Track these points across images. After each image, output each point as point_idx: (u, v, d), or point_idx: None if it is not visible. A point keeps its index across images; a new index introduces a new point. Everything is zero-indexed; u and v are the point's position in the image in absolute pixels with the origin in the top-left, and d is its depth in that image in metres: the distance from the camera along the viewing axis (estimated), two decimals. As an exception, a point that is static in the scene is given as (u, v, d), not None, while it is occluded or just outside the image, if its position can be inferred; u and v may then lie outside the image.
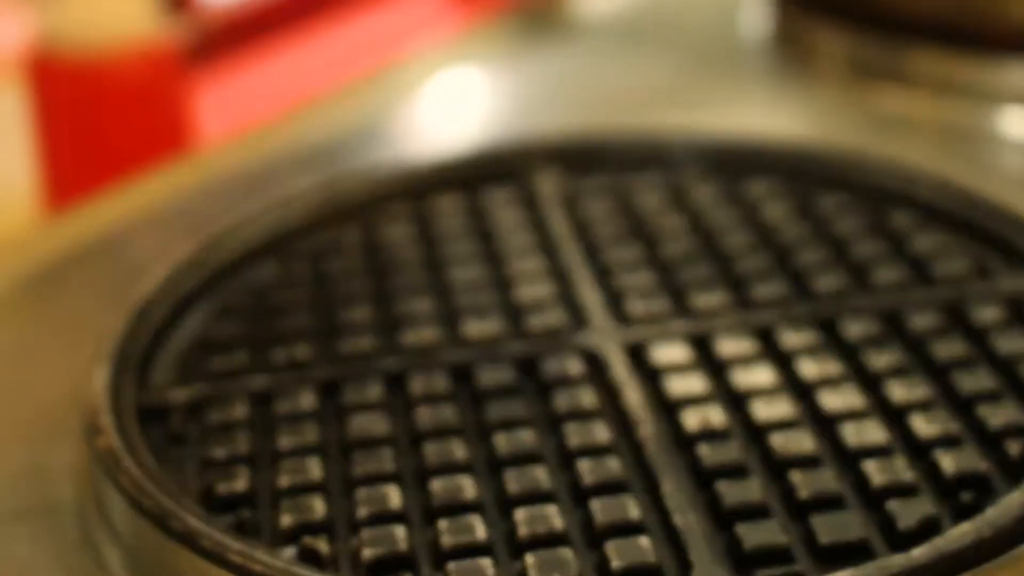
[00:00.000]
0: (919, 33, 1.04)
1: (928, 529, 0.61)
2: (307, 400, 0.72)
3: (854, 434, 0.67)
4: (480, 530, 0.63)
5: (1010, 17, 1.02)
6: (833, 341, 0.74)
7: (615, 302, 0.79)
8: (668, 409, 0.70)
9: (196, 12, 1.30)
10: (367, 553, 0.62)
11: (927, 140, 1.02)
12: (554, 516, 0.63)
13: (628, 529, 0.62)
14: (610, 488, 0.65)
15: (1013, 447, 0.65)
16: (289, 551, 0.63)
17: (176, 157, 1.15)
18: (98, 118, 1.22)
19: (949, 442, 0.66)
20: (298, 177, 1.00)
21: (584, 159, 0.93)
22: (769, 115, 1.10)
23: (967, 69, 1.03)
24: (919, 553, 0.58)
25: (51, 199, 1.26)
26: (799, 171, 0.89)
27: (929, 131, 1.03)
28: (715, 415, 0.69)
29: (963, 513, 0.62)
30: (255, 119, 1.13)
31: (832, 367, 0.72)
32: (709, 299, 0.78)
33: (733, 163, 0.91)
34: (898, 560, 0.58)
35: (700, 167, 0.92)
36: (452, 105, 1.15)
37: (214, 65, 1.85)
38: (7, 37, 1.37)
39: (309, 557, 0.62)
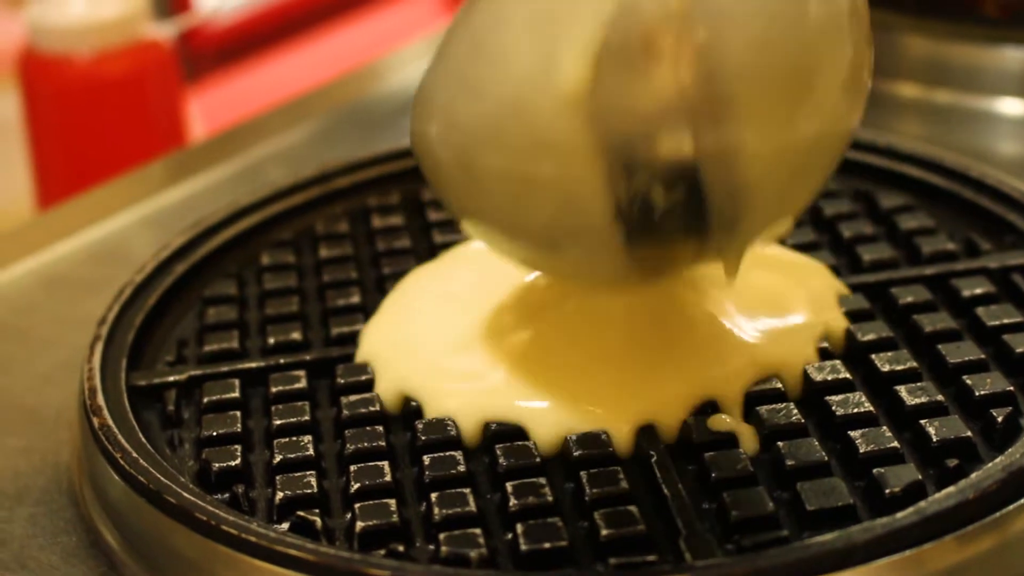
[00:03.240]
0: (905, 7, 1.05)
1: (914, 495, 0.61)
2: (298, 381, 0.73)
3: (841, 405, 0.67)
4: (471, 502, 0.63)
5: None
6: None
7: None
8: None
9: (192, 16, 1.31)
10: (360, 525, 0.62)
11: (915, 123, 1.03)
12: (544, 487, 0.64)
13: (617, 499, 0.63)
14: (600, 461, 0.65)
15: (998, 415, 0.66)
16: (284, 525, 0.63)
17: (168, 154, 1.16)
18: (90, 116, 1.23)
19: (935, 411, 0.67)
20: (288, 168, 1.01)
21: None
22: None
23: (954, 53, 1.03)
24: (903, 516, 0.59)
25: (44, 196, 1.27)
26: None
27: (917, 114, 1.04)
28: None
29: (948, 479, 0.62)
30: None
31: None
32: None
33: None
34: (882, 523, 0.59)
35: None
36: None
37: (210, 72, 1.85)
38: (5, 38, 1.37)
39: (303, 530, 0.63)
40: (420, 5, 2.15)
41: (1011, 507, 0.60)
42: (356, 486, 0.65)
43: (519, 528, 0.61)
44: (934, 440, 0.64)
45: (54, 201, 1.21)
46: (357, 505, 0.63)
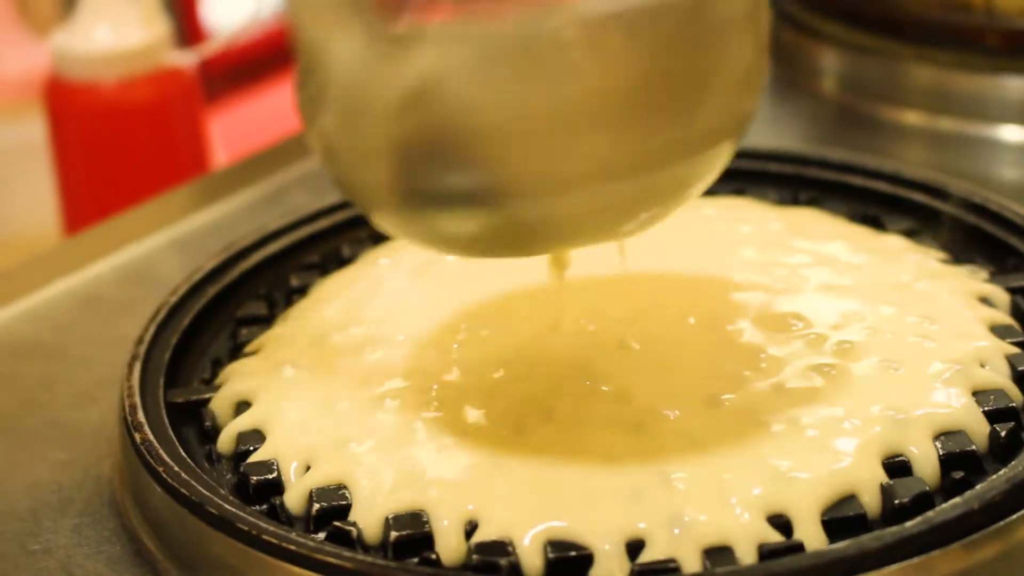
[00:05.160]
0: (910, 39, 1.09)
1: (922, 505, 0.65)
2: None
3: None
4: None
5: (995, 20, 1.07)
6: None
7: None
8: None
9: (211, 44, 1.34)
10: (395, 535, 0.65)
11: (920, 150, 1.06)
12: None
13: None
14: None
15: (1002, 430, 0.69)
16: (320, 535, 0.66)
17: (192, 179, 1.19)
18: (115, 142, 1.26)
19: (943, 426, 0.70)
20: (311, 194, 1.04)
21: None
22: (767, 132, 1.14)
23: (959, 82, 1.07)
24: (912, 525, 0.62)
25: (70, 220, 1.30)
26: (796, 180, 0.93)
27: (921, 141, 1.07)
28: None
29: (955, 490, 0.66)
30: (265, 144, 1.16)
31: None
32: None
33: (732, 174, 0.95)
34: (892, 531, 0.62)
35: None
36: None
37: (222, 95, 1.88)
38: (30, 65, 1.41)
39: (340, 539, 0.66)
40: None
41: (1014, 516, 0.64)
42: (389, 497, 0.68)
43: (548, 537, 0.65)
44: (941, 453, 0.68)
45: (80, 225, 1.23)
46: (391, 516, 0.66)
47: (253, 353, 0.80)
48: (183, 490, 0.68)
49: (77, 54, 1.24)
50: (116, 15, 1.21)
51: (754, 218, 0.88)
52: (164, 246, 1.02)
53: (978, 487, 0.65)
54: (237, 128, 1.79)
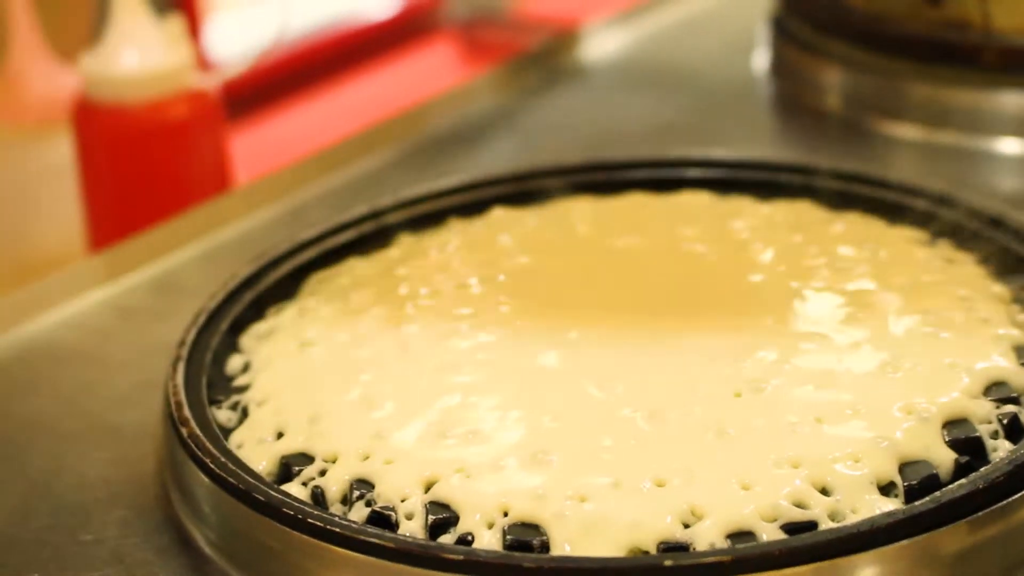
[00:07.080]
0: (910, 56, 1.13)
1: (930, 487, 0.69)
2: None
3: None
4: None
5: (992, 38, 1.11)
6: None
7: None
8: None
9: (231, 67, 1.38)
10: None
11: (919, 162, 1.11)
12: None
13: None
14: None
15: (1004, 418, 0.73)
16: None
17: (216, 196, 1.23)
18: (141, 162, 1.29)
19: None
20: (331, 210, 1.08)
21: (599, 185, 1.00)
22: (772, 147, 1.18)
23: (957, 97, 1.11)
24: (920, 504, 0.66)
25: (96, 238, 1.33)
26: (803, 190, 0.97)
27: (921, 154, 1.11)
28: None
29: (960, 472, 0.70)
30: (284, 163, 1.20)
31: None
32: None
33: (738, 185, 0.99)
34: (902, 509, 0.66)
35: (707, 190, 0.99)
36: (470, 144, 1.22)
37: (241, 115, 1.91)
38: (59, 87, 1.44)
39: (379, 523, 0.70)
40: (437, 56, 2.21)
41: (1016, 496, 0.68)
42: (425, 484, 0.72)
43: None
44: (947, 439, 0.72)
45: (105, 243, 1.27)
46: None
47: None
48: (231, 479, 0.72)
49: (106, 77, 1.27)
50: (144, 39, 1.24)
51: (761, 219, 0.92)
52: (191, 259, 1.06)
53: (982, 469, 0.69)
54: (255, 148, 1.83)
